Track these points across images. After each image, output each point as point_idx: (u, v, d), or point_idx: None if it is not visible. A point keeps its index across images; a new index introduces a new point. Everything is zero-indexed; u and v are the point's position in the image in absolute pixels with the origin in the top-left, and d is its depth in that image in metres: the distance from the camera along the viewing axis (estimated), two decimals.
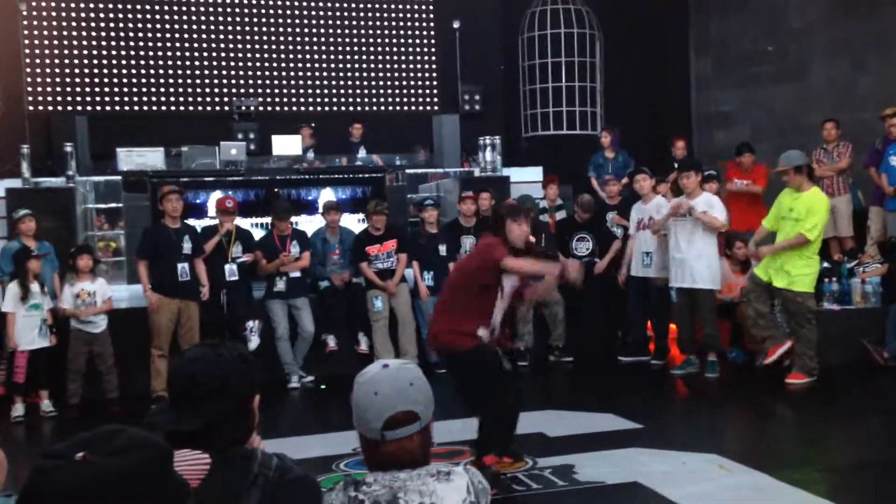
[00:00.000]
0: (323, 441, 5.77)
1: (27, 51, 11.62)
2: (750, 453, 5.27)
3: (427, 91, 13.32)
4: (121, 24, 12.16)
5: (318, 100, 12.89)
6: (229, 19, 12.60)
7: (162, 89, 12.28)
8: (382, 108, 13.12)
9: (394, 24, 13.22)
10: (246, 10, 12.67)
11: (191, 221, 8.15)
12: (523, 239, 4.93)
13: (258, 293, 7.99)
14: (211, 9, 12.53)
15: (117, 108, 12.09)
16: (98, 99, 12.02)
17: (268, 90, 12.66)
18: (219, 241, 7.68)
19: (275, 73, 12.72)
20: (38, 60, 11.78)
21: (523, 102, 13.08)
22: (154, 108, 12.26)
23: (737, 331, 8.03)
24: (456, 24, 12.34)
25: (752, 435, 6.20)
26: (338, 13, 13.00)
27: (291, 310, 7.85)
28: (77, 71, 11.94)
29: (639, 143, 11.15)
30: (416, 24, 13.30)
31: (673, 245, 7.62)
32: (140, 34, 12.23)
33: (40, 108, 11.65)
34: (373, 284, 8.00)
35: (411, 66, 13.27)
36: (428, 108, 13.16)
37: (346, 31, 13.03)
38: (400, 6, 13.22)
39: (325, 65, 12.92)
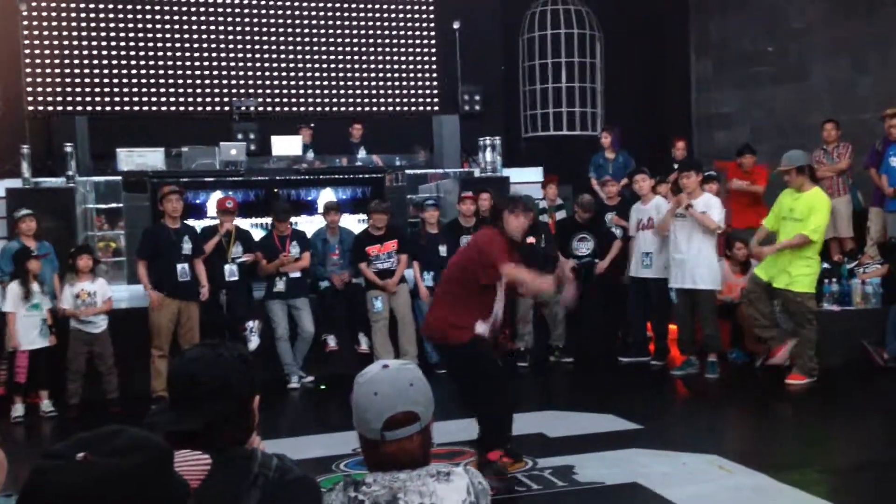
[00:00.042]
0: (323, 441, 5.77)
1: (27, 51, 11.62)
2: (750, 454, 5.27)
3: (427, 91, 13.32)
4: (121, 25, 12.16)
5: (318, 100, 12.89)
6: (229, 20, 12.60)
7: (162, 90, 12.29)
8: (382, 108, 13.13)
9: (394, 24, 13.22)
10: (246, 11, 12.67)
11: (191, 222, 8.15)
12: (521, 231, 4.89)
13: (258, 293, 7.99)
14: (211, 9, 12.53)
15: (117, 108, 12.10)
16: (98, 99, 12.03)
17: (268, 90, 12.66)
18: (219, 241, 7.69)
19: (275, 74, 12.72)
20: (38, 60, 11.78)
21: (523, 103, 13.09)
22: (154, 108, 12.26)
23: (737, 331, 8.02)
24: (456, 25, 12.35)
25: (752, 436, 6.20)
26: (338, 13, 13.01)
27: (291, 310, 7.85)
28: (77, 71, 11.94)
29: (639, 143, 11.15)
30: (417, 24, 13.31)
31: (673, 245, 7.63)
32: (140, 34, 12.23)
33: (40, 108, 11.65)
34: (373, 285, 8.00)
35: (411, 66, 13.27)
36: (428, 108, 13.16)
37: (347, 32, 13.03)
38: (400, 6, 13.22)
39: (325, 65, 12.92)
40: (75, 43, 11.95)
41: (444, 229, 8.45)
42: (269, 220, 8.41)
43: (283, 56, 12.78)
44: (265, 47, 12.71)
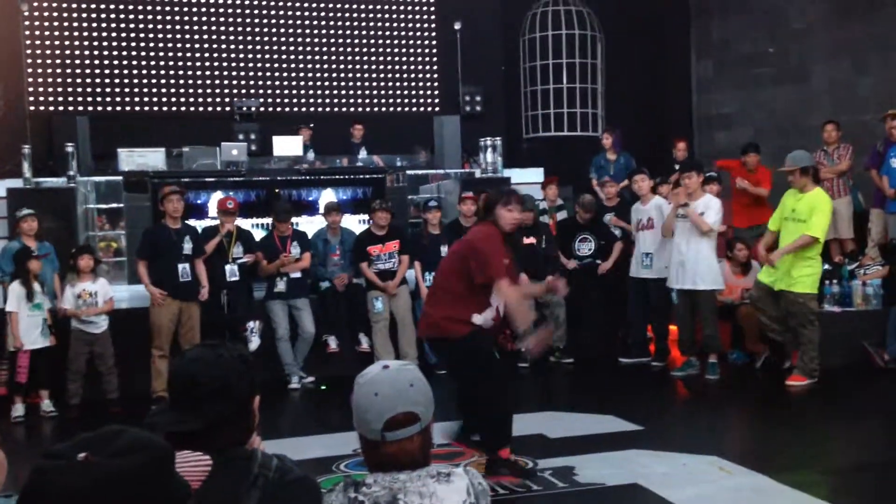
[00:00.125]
0: (323, 442, 5.77)
1: (28, 51, 11.63)
2: (750, 455, 5.27)
3: (428, 92, 13.33)
4: (122, 25, 12.17)
5: (319, 100, 12.90)
6: (230, 20, 12.61)
7: (163, 90, 12.30)
8: (383, 108, 13.14)
9: (395, 25, 13.23)
10: (247, 11, 12.68)
11: (191, 222, 8.15)
12: (514, 225, 4.81)
13: (259, 294, 7.99)
14: (212, 10, 12.54)
15: (118, 108, 12.11)
16: (99, 99, 12.04)
17: (269, 91, 12.67)
18: (219, 241, 7.69)
19: (276, 74, 12.73)
20: (39, 60, 11.79)
21: (524, 104, 13.09)
22: (155, 108, 12.27)
23: (737, 332, 8.02)
24: (457, 26, 12.35)
25: (752, 437, 6.20)
26: (339, 14, 13.01)
27: (292, 310, 7.85)
28: (78, 71, 11.95)
29: (639, 144, 11.15)
30: (418, 25, 13.31)
31: (674, 246, 7.62)
32: (141, 35, 12.24)
33: (41, 108, 11.65)
34: (373, 285, 8.00)
35: (412, 67, 13.28)
36: (429, 109, 13.17)
37: (348, 32, 13.04)
38: (401, 7, 13.23)
39: (326, 66, 12.93)
40: (76, 43, 11.96)
41: (445, 230, 8.45)
42: (269, 220, 8.41)
43: (284, 56, 12.79)
44: (266, 47, 12.72)
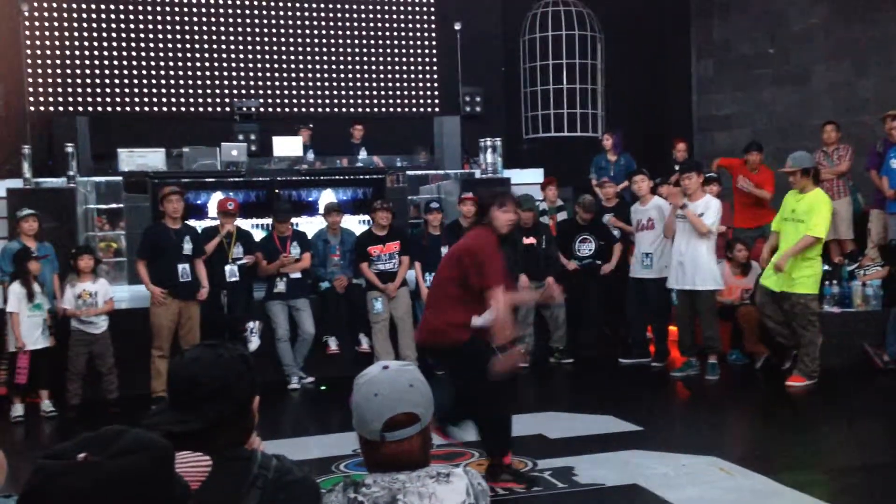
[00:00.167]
0: (323, 442, 5.77)
1: (28, 51, 11.64)
2: (750, 456, 5.27)
3: (428, 92, 13.34)
4: (122, 25, 12.18)
5: (320, 101, 12.91)
6: (231, 20, 12.62)
7: (163, 90, 12.30)
8: (383, 109, 13.14)
9: (395, 25, 13.23)
10: (247, 12, 12.68)
11: (191, 222, 8.15)
12: (509, 226, 4.79)
13: (258, 294, 7.99)
14: (212, 10, 12.55)
15: (118, 108, 12.11)
16: (99, 99, 12.04)
17: (269, 91, 12.67)
18: (219, 242, 7.69)
19: (276, 75, 12.74)
20: (39, 61, 11.80)
21: (524, 104, 13.09)
22: (155, 108, 12.28)
23: (737, 333, 8.02)
24: (457, 26, 12.35)
25: (752, 437, 6.20)
26: (339, 14, 13.02)
27: (292, 311, 7.85)
28: (78, 71, 11.96)
29: (639, 145, 11.15)
30: (418, 25, 13.32)
31: (674, 247, 7.62)
32: (141, 35, 12.25)
33: (41, 108, 11.66)
34: (373, 286, 8.00)
35: (412, 67, 13.29)
36: (429, 109, 13.17)
37: (348, 33, 13.05)
38: (401, 8, 13.24)
39: (326, 66, 12.94)
40: (76, 43, 11.97)
41: (445, 230, 8.45)
42: (269, 220, 8.41)
43: (284, 56, 12.80)
44: (266, 47, 12.73)
